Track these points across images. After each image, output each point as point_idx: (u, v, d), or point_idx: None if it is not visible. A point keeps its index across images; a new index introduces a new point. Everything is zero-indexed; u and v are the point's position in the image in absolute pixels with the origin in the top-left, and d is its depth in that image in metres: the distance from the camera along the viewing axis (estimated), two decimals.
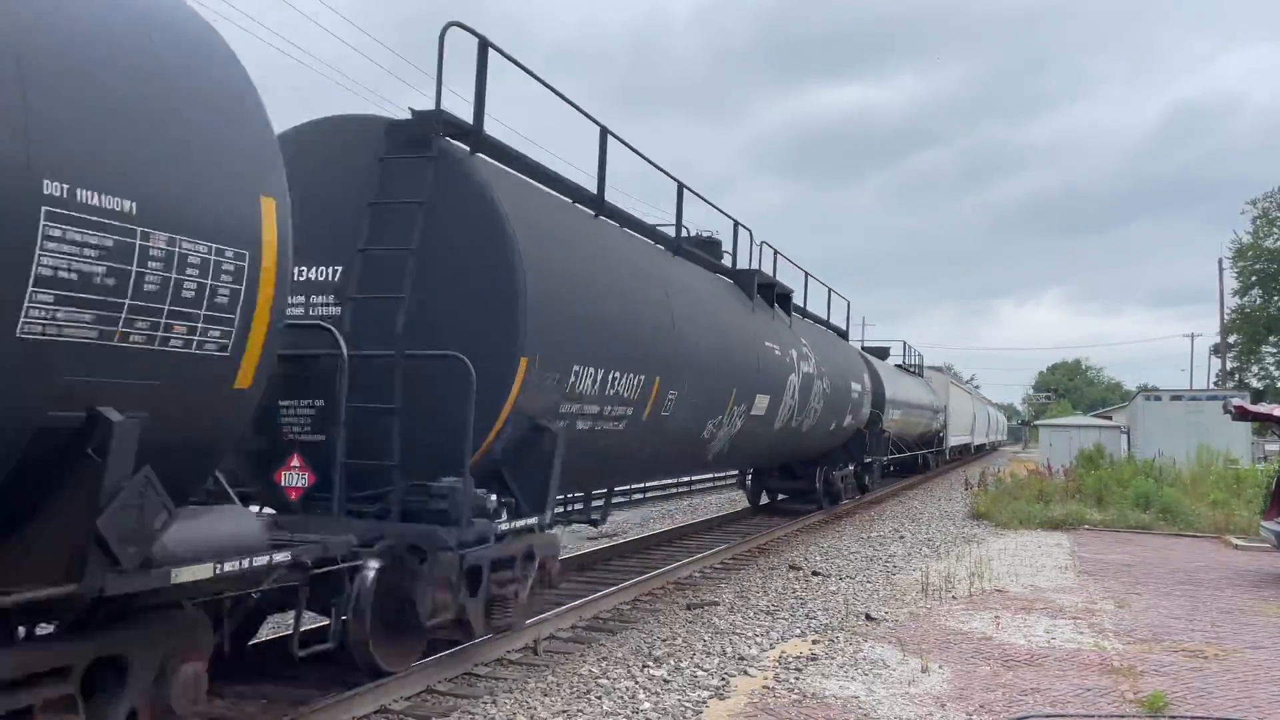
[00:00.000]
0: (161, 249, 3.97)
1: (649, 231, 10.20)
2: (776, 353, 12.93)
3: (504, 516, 6.70)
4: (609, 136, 8.87)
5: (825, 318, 18.31)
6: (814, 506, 18.59)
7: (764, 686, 6.81)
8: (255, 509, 6.02)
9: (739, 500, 20.77)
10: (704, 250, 11.86)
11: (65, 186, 3.59)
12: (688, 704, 6.35)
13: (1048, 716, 6.20)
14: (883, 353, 27.05)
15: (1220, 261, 46.00)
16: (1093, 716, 6.23)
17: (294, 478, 6.40)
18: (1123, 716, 6.25)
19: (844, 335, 19.90)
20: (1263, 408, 14.71)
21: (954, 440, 39.33)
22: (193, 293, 4.13)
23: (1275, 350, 52.07)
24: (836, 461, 18.95)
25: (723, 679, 6.99)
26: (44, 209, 3.52)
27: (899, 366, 29.71)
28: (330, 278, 6.76)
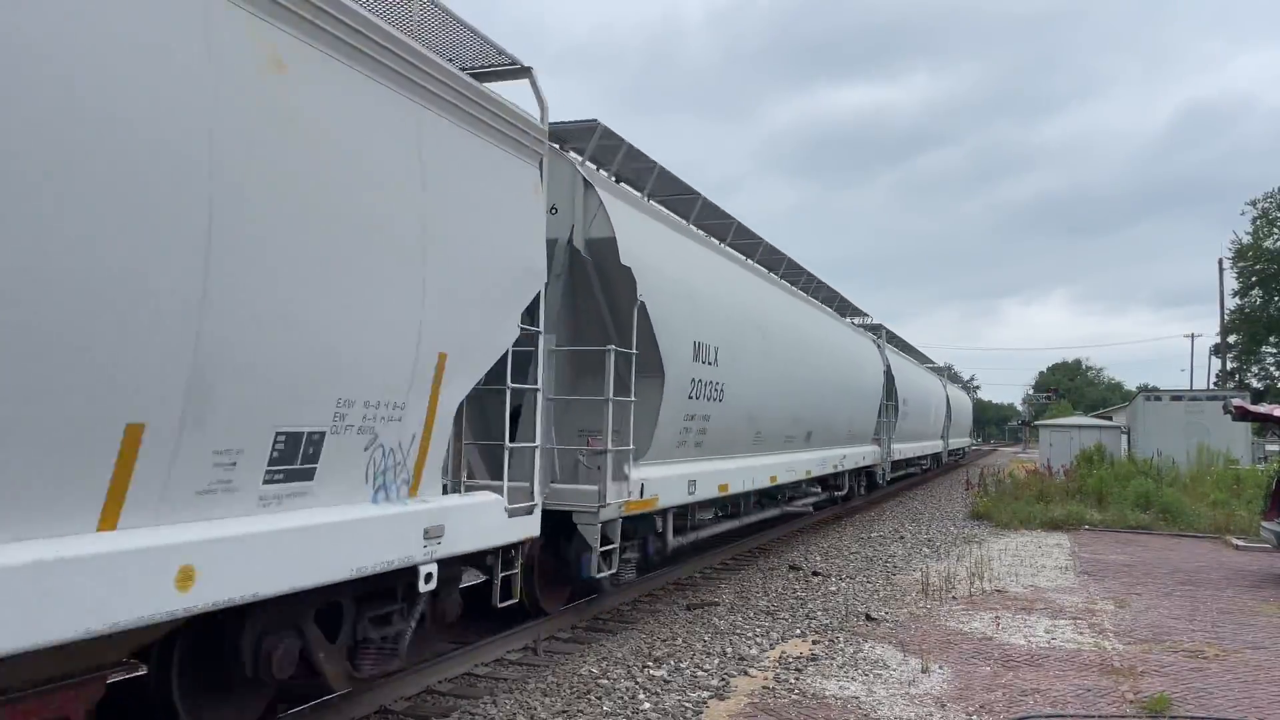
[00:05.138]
0: None
1: None
2: None
3: None
4: None
5: None
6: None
7: (764, 687, 6.81)
8: None
9: None
10: None
11: None
12: (688, 704, 6.35)
13: (1048, 717, 6.19)
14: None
15: (1220, 262, 45.99)
16: (1093, 717, 6.23)
17: None
18: (1123, 717, 6.25)
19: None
20: (1263, 408, 14.71)
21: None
22: None
23: (1275, 350, 52.12)
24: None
25: (723, 679, 6.99)
26: None
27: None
28: None
